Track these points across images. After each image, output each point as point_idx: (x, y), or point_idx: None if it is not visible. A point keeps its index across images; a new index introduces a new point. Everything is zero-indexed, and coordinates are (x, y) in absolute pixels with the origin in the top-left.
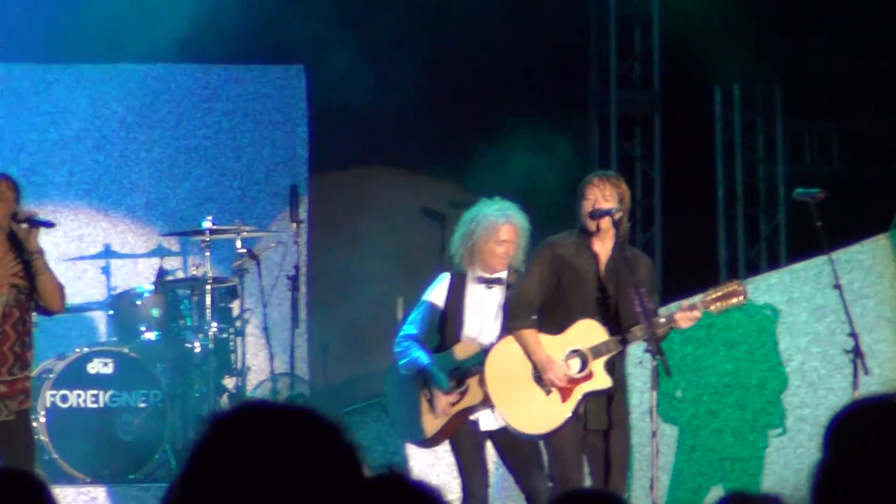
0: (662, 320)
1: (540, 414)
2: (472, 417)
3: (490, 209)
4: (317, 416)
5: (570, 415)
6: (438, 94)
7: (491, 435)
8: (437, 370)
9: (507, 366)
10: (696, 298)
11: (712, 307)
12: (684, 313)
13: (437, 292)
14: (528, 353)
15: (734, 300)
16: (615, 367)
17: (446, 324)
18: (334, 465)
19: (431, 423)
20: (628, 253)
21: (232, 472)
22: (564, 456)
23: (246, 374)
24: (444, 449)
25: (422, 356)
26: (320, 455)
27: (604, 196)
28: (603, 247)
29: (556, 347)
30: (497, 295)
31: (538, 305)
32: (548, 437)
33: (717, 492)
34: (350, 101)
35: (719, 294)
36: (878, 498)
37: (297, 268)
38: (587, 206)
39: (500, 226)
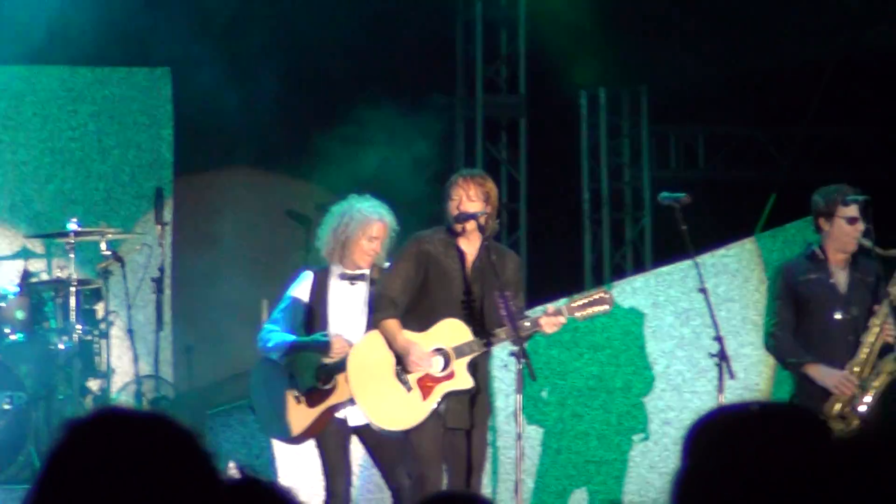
0: (528, 324)
1: (400, 410)
2: (339, 414)
3: (363, 205)
4: (173, 422)
5: (429, 412)
6: (303, 97)
7: (358, 432)
8: (307, 337)
9: (369, 362)
10: (562, 303)
11: (578, 313)
12: (549, 319)
13: (300, 289)
14: (390, 342)
15: (600, 308)
16: (478, 368)
17: (311, 321)
18: (190, 473)
19: (298, 420)
20: (495, 253)
21: (87, 478)
22: (423, 453)
23: (111, 376)
24: (310, 449)
25: (285, 336)
26: (176, 462)
27: (468, 196)
28: (470, 246)
29: (420, 344)
30: (361, 291)
31: (404, 301)
32: (407, 433)
33: (580, 494)
34: (215, 103)
35: (585, 301)
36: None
37: (161, 270)
38: (453, 206)
39: (373, 222)
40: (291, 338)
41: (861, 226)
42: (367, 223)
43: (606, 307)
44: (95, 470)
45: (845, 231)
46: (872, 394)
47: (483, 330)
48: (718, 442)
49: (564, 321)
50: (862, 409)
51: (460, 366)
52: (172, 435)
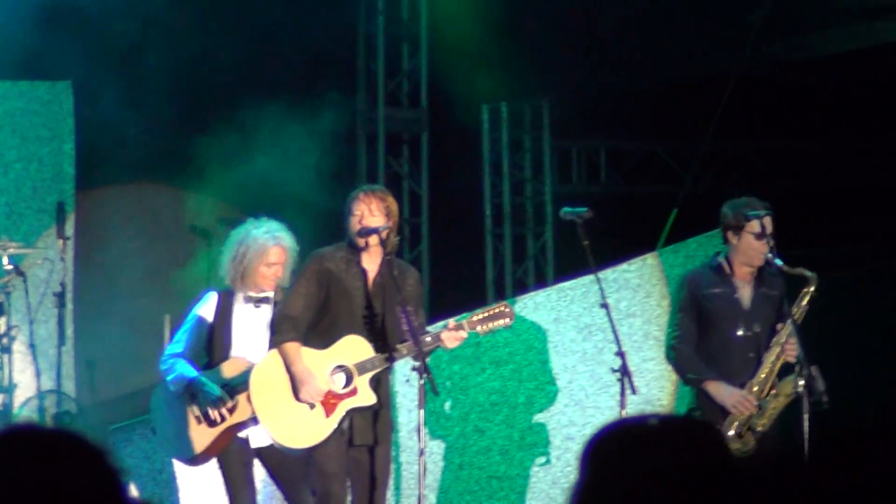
0: (429, 339)
1: (304, 428)
2: (241, 435)
3: (258, 231)
4: (82, 439)
5: (333, 429)
6: (204, 113)
7: (260, 452)
8: (206, 379)
9: (271, 380)
10: (463, 318)
11: (479, 327)
12: (451, 333)
13: (204, 310)
14: (289, 366)
15: (501, 321)
16: (381, 384)
17: (214, 342)
18: (99, 489)
19: (200, 440)
20: (396, 269)
21: None
22: (327, 470)
23: (13, 391)
24: (212, 466)
25: (188, 370)
26: (85, 479)
27: (370, 211)
28: (371, 262)
29: (322, 362)
30: (265, 314)
31: (306, 320)
32: (311, 451)
33: None
34: (116, 117)
35: (486, 315)
36: None
37: (63, 285)
38: (354, 221)
39: (269, 248)
40: (192, 375)
41: (770, 241)
42: (264, 250)
43: (507, 321)
44: (5, 487)
45: (753, 246)
46: (770, 415)
47: (385, 346)
48: (617, 455)
49: (466, 335)
50: (759, 429)
51: (363, 382)
52: (82, 452)
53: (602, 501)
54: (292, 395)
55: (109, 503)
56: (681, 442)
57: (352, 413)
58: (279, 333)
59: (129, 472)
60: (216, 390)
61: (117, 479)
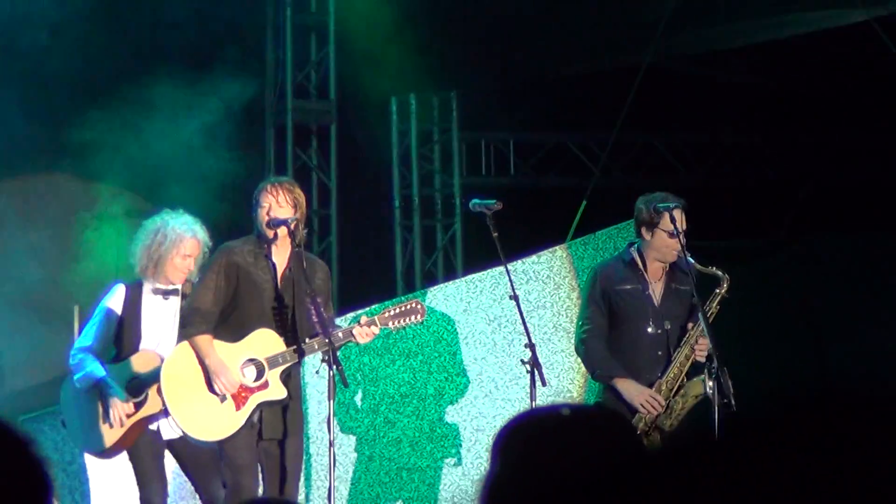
0: (340, 335)
1: (214, 421)
2: (152, 427)
3: (176, 222)
4: (7, 427)
5: (244, 422)
6: (112, 100)
7: (171, 444)
8: (113, 382)
9: (182, 373)
10: (375, 311)
11: (391, 324)
12: (362, 329)
13: (112, 303)
14: (201, 359)
15: (412, 318)
16: (291, 377)
17: (123, 335)
18: (24, 480)
19: (109, 434)
20: (305, 261)
21: None
22: (238, 463)
23: None
24: (123, 457)
25: (97, 368)
26: (9, 470)
27: (278, 202)
28: (280, 255)
29: (233, 356)
30: (174, 305)
31: (216, 313)
32: (221, 443)
33: (394, 501)
34: (17, 106)
35: (398, 311)
36: None
37: None
38: (263, 213)
39: (185, 239)
40: (100, 374)
41: (682, 238)
42: (180, 241)
43: (419, 317)
44: None
45: (666, 243)
46: (677, 415)
47: (295, 339)
48: (528, 445)
49: (378, 331)
50: (666, 428)
51: (274, 376)
52: (6, 441)
53: (513, 492)
54: (203, 388)
55: (35, 493)
56: (592, 431)
57: (262, 406)
58: (190, 326)
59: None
60: (121, 395)
61: (43, 468)
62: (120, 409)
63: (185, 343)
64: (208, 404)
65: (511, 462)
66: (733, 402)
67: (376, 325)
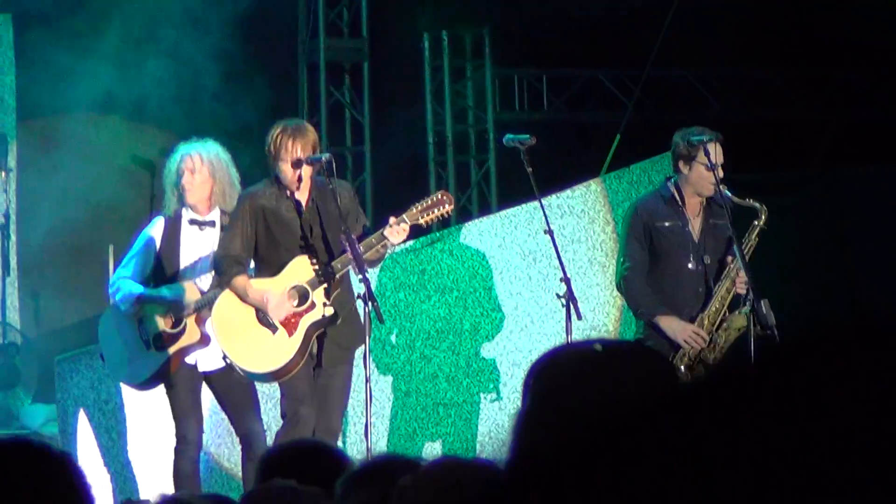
0: (374, 240)
1: (269, 352)
2: (189, 360)
3: (183, 146)
4: (45, 447)
5: (298, 346)
6: (152, 40)
7: (208, 378)
8: (153, 291)
9: (231, 316)
10: (403, 216)
11: (420, 218)
12: (393, 228)
13: (151, 233)
14: (242, 298)
15: (441, 209)
16: (340, 298)
17: (161, 266)
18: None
19: (147, 366)
20: (329, 185)
21: None
22: (296, 394)
23: None
24: (160, 394)
25: (135, 286)
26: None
27: (303, 149)
28: (302, 190)
29: (275, 287)
30: (211, 237)
31: (248, 258)
32: (280, 373)
33: (430, 436)
34: (58, 48)
35: (425, 205)
36: (574, 445)
37: (6, 216)
38: (288, 159)
39: (185, 156)
40: (139, 290)
41: (720, 172)
42: (181, 159)
43: (447, 207)
44: None
45: (704, 176)
46: (721, 348)
47: (333, 259)
48: (560, 381)
49: (408, 228)
50: (710, 362)
51: (318, 296)
52: (45, 462)
53: (545, 427)
54: (254, 324)
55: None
56: (625, 366)
57: (314, 330)
58: (224, 273)
59: (70, 400)
60: (165, 291)
61: (84, 480)
62: (174, 310)
63: (226, 291)
64: (262, 338)
65: (542, 398)
66: (776, 332)
67: (406, 222)
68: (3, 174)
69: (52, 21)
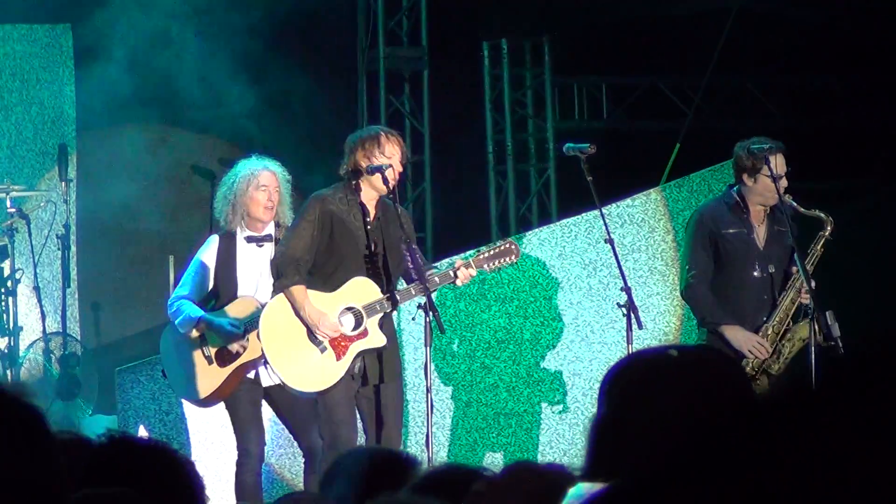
0: (437, 279)
1: (315, 371)
2: (250, 375)
3: (247, 162)
4: (168, 449)
5: (344, 372)
6: (209, 50)
7: (268, 392)
8: (213, 316)
9: (281, 324)
10: (470, 256)
11: (486, 266)
12: (459, 272)
13: (207, 255)
14: (297, 310)
15: (507, 259)
16: (385, 324)
17: (220, 285)
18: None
19: (209, 382)
20: (395, 207)
21: None
22: (337, 416)
23: (18, 333)
24: (221, 407)
25: (194, 310)
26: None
27: (401, 157)
28: (369, 203)
29: (330, 305)
30: (268, 252)
31: (308, 262)
32: (322, 394)
33: (492, 446)
34: (117, 59)
35: (492, 252)
36: (653, 449)
37: (67, 227)
38: (386, 163)
39: (258, 172)
40: (199, 313)
41: (785, 182)
42: (252, 175)
43: (513, 258)
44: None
45: (769, 187)
46: (785, 359)
47: (389, 284)
48: (636, 387)
49: (474, 273)
50: (774, 372)
51: (372, 324)
52: (169, 463)
53: (622, 433)
54: (303, 338)
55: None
56: (700, 372)
57: (362, 354)
58: (284, 277)
59: (130, 412)
60: (225, 323)
61: (200, 484)
62: (231, 339)
63: (281, 295)
64: (309, 355)
65: (618, 403)
66: (840, 344)
67: (472, 267)
68: (64, 185)
69: (111, 31)
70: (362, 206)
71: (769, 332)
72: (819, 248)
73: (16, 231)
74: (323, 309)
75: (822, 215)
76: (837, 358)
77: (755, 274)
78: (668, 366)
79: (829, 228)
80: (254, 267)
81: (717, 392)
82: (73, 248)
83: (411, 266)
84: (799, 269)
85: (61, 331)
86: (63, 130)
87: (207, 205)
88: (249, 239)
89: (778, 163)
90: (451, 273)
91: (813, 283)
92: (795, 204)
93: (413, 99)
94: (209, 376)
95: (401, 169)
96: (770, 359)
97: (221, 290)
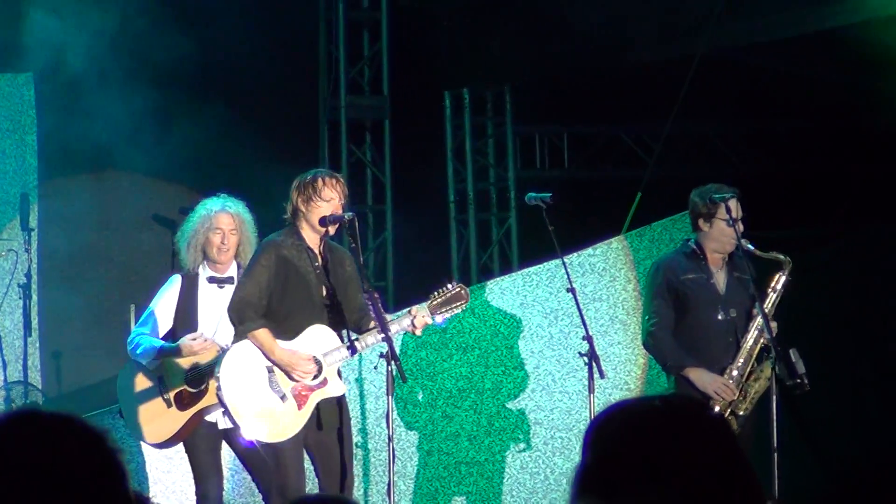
0: (396, 328)
1: (277, 421)
2: (209, 419)
3: (209, 201)
4: (82, 422)
5: (305, 422)
6: (170, 99)
7: (227, 435)
8: (176, 343)
9: (241, 373)
10: (423, 306)
11: (437, 316)
12: (418, 321)
13: (168, 294)
14: (267, 354)
15: (458, 305)
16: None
17: (179, 326)
18: (101, 472)
19: (167, 425)
20: (334, 251)
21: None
22: (286, 463)
23: None
24: (181, 452)
25: (154, 341)
26: (87, 461)
27: (340, 199)
28: (315, 245)
29: (299, 354)
30: (229, 294)
31: (264, 306)
32: (269, 443)
33: (453, 496)
34: (79, 108)
35: (443, 298)
36: (640, 497)
37: (28, 276)
38: (325, 208)
39: (214, 214)
40: (160, 343)
41: (740, 226)
42: (208, 216)
43: (463, 303)
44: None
45: (725, 232)
46: (751, 399)
47: (341, 329)
48: (622, 435)
49: (429, 321)
50: (741, 412)
51: (331, 373)
52: (82, 435)
53: (607, 481)
54: (265, 387)
55: (112, 485)
56: (686, 421)
57: (319, 403)
58: (249, 321)
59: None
60: (186, 340)
61: (118, 459)
62: (192, 342)
63: (243, 342)
64: (269, 405)
65: (602, 452)
66: (806, 381)
67: (427, 315)
68: (26, 234)
69: (74, 80)
70: (311, 250)
71: (734, 374)
72: (779, 287)
73: None
74: None
75: (781, 257)
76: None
77: (719, 317)
78: (652, 414)
79: (787, 269)
80: (214, 308)
81: (703, 442)
82: (35, 297)
83: (372, 314)
84: (758, 311)
85: (23, 380)
86: (25, 179)
87: (168, 253)
88: (211, 279)
89: (735, 208)
90: (406, 321)
91: (774, 325)
92: (752, 247)
93: (374, 148)
94: (168, 420)
95: (339, 213)
96: (736, 399)
97: (179, 331)
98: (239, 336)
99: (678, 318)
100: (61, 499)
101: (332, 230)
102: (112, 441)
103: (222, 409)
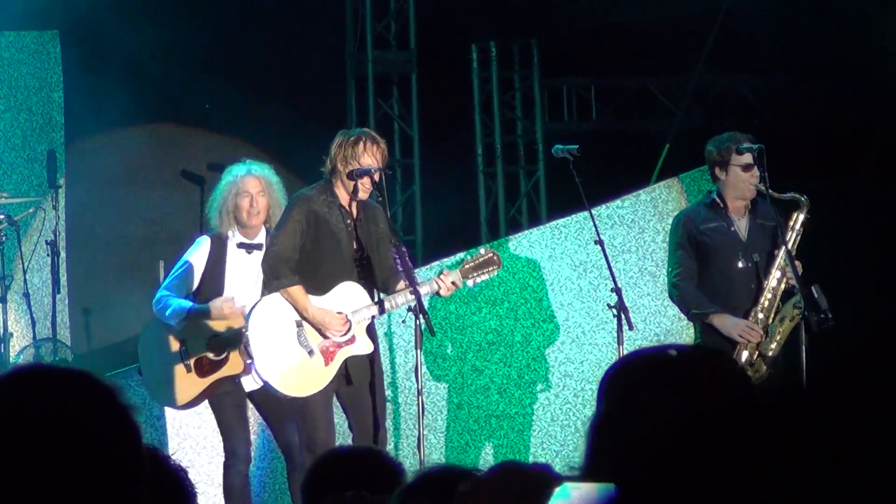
0: (424, 290)
1: (303, 376)
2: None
3: (234, 167)
4: (92, 377)
5: (332, 378)
6: (197, 55)
7: (251, 394)
8: (205, 305)
9: (270, 326)
10: (454, 267)
11: (469, 280)
12: (445, 285)
13: (196, 255)
14: (300, 311)
15: (490, 270)
16: (371, 330)
17: (205, 289)
18: (112, 427)
19: (186, 390)
20: (367, 208)
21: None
22: (315, 419)
23: (8, 340)
24: (209, 411)
25: (183, 302)
26: (98, 416)
27: (376, 158)
28: (349, 202)
29: (330, 312)
30: (257, 260)
31: (297, 260)
32: (300, 398)
33: (483, 448)
34: (106, 64)
35: (476, 263)
36: (653, 448)
37: (55, 233)
38: (356, 163)
39: (240, 178)
40: (189, 304)
41: (757, 172)
42: (235, 181)
43: (495, 269)
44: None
45: (742, 178)
46: (778, 340)
47: (372, 286)
48: (636, 386)
49: (460, 285)
50: (770, 353)
51: (360, 330)
52: (92, 389)
53: (620, 433)
54: (292, 342)
55: (123, 441)
56: (702, 371)
57: (347, 359)
58: (283, 277)
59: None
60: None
61: (130, 415)
62: (222, 304)
63: (274, 295)
64: (296, 358)
65: (617, 403)
66: (830, 315)
67: (458, 278)
68: (53, 191)
69: (99, 37)
70: (343, 207)
71: (759, 315)
72: (798, 227)
73: (5, 238)
74: None
75: (799, 196)
76: (828, 362)
77: (739, 265)
78: (666, 365)
79: (805, 209)
80: (241, 273)
81: (716, 391)
82: (63, 254)
83: (400, 269)
84: (781, 252)
85: (51, 337)
86: (52, 137)
87: (196, 210)
88: (241, 245)
89: (752, 156)
90: (436, 284)
91: (798, 264)
92: (767, 189)
93: (402, 102)
94: (187, 385)
95: (377, 178)
96: (763, 341)
97: (206, 294)
98: (272, 290)
99: (701, 267)
100: (70, 453)
101: (361, 188)
102: (124, 397)
103: (246, 376)
